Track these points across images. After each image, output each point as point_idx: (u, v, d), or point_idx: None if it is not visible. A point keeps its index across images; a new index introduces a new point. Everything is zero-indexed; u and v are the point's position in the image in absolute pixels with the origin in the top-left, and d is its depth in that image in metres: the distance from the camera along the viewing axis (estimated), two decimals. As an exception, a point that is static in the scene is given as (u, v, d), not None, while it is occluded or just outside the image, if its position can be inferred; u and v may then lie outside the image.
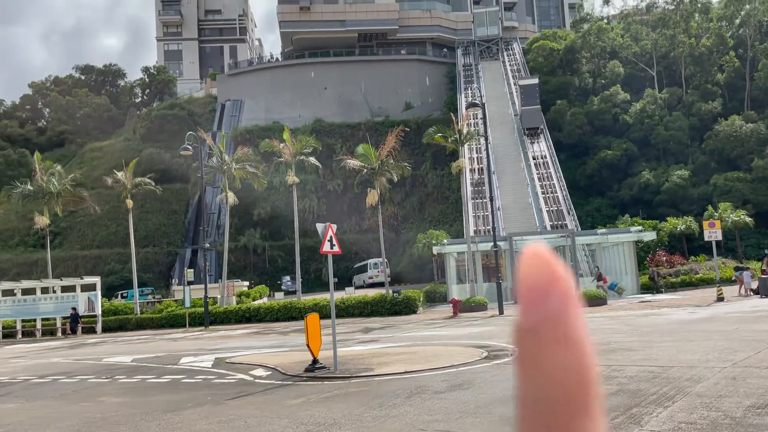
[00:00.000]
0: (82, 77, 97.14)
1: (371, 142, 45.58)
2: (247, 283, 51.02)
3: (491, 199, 38.42)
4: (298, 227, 43.05)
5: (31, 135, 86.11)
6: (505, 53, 75.21)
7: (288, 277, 58.18)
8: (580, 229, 42.64)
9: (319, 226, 15.54)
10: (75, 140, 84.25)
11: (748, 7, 61.87)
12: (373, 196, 40.65)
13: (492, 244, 32.36)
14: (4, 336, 37.05)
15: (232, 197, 44.89)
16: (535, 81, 59.51)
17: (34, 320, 37.74)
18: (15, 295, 38.35)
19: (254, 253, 63.36)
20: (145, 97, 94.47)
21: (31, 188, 44.29)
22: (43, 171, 44.43)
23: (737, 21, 63.42)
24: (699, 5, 63.94)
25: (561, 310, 0.56)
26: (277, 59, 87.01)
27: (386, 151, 40.70)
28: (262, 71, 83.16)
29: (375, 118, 73.98)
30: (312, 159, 45.85)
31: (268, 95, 78.47)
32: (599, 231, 39.38)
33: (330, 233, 15.30)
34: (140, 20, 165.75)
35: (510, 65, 72.16)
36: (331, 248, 15.26)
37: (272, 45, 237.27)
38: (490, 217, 38.13)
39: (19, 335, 37.05)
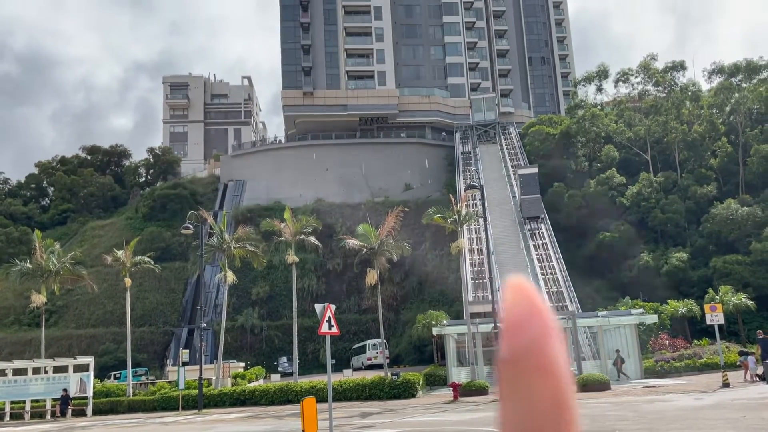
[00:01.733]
0: (88, 157, 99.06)
1: (371, 222, 46.01)
2: (242, 365, 50.01)
3: (491, 280, 38.33)
4: (296, 307, 42.67)
5: (34, 213, 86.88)
6: (502, 137, 77.15)
7: (285, 359, 57.10)
8: (580, 311, 42.29)
9: (318, 307, 15.48)
10: (77, 218, 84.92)
11: (737, 95, 64.08)
12: (372, 276, 40.57)
13: (492, 325, 32.00)
14: (-9, 418, 35.96)
15: (231, 276, 44.77)
16: (535, 170, 60.14)
17: (24, 402, 36.74)
18: (5, 375, 37.51)
19: (251, 333, 62.47)
20: (149, 177, 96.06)
21: (29, 266, 44.26)
22: (42, 249, 44.54)
23: (727, 108, 65.50)
24: (689, 93, 66.22)
25: (540, 341, 0.59)
26: (280, 141, 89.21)
27: (386, 231, 41.00)
28: (265, 152, 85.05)
29: (375, 199, 74.94)
30: (312, 238, 46.09)
31: (271, 176, 79.86)
32: (600, 313, 39.03)
33: (328, 314, 15.22)
34: (149, 103, 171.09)
35: (507, 149, 73.86)
36: (330, 329, 15.12)
37: (276, 127, 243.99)
38: (490, 297, 37.91)
39: (7, 417, 35.96)
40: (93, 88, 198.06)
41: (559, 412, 0.57)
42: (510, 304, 0.61)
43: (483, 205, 37.14)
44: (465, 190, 41.20)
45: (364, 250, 41.89)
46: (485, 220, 37.57)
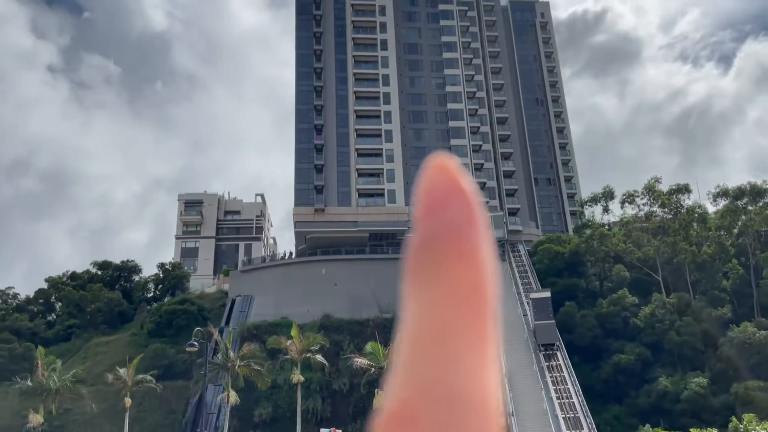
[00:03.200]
0: (99, 272, 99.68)
1: (379, 340, 45.12)
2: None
3: (504, 405, 36.91)
4: (300, 431, 40.87)
5: (40, 329, 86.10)
6: (511, 255, 77.39)
7: (287, 488, 53.87)
8: (599, 439, 40.18)
9: (324, 436, 14.83)
10: (82, 334, 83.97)
11: (744, 218, 64.67)
12: (381, 398, 39.12)
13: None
14: None
15: (233, 396, 43.45)
16: (548, 294, 59.19)
17: None
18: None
19: (251, 460, 59.40)
20: (157, 292, 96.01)
21: (30, 384, 43.28)
22: (44, 366, 43.77)
23: (735, 230, 65.88)
24: (696, 215, 66.94)
25: (461, 222, 0.52)
26: (291, 254, 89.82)
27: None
28: (274, 268, 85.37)
29: (384, 315, 74.00)
30: (319, 356, 45.17)
31: (279, 291, 79.59)
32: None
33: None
34: (164, 218, 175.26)
35: (517, 266, 73.82)
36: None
37: (287, 241, 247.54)
38: (504, 423, 36.31)
39: None
40: (111, 203, 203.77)
41: (479, 305, 0.50)
42: (429, 182, 0.53)
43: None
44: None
45: (372, 369, 40.81)
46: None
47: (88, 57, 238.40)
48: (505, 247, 79.59)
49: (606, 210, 73.29)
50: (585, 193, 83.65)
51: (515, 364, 51.98)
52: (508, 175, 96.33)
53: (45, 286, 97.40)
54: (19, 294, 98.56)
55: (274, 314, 75.41)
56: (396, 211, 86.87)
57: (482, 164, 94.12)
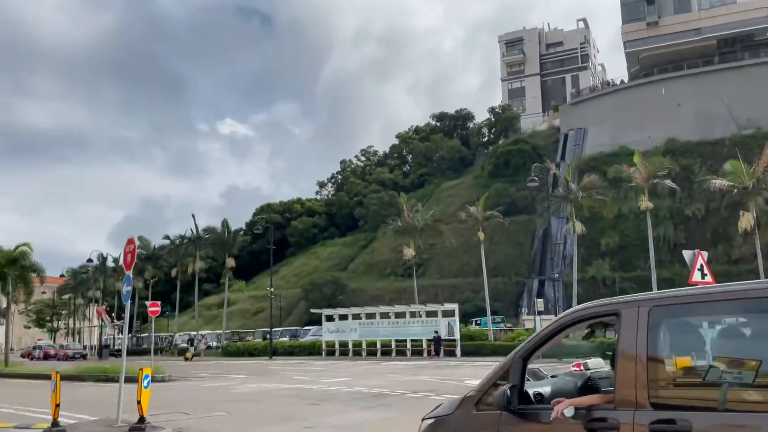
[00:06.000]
0: (438, 124, 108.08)
1: (740, 159, 39.69)
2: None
3: None
4: (653, 257, 39.66)
5: (398, 179, 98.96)
6: None
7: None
8: None
9: (687, 254, 13.87)
10: (432, 180, 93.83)
11: None
12: (747, 220, 35.13)
13: None
14: (383, 353, 42.52)
15: (578, 227, 43.93)
16: None
17: (405, 340, 42.46)
18: (390, 317, 43.84)
19: (603, 285, 60.56)
20: (491, 136, 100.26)
21: (400, 224, 50.55)
22: (408, 209, 50.43)
23: None
24: None
25: None
26: (622, 81, 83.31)
27: (762, 167, 34.90)
28: (605, 96, 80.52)
29: (742, 132, 64.54)
30: (667, 182, 42.10)
31: (613, 120, 75.29)
32: None
33: (700, 261, 13.54)
34: (489, 62, 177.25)
35: None
36: (702, 278, 13.43)
37: (617, 67, 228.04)
38: None
39: (394, 353, 42.09)
40: (439, 55, 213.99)
41: None
42: None
43: None
44: None
45: (734, 191, 36.47)
46: None
47: None
48: None
49: None
50: None
51: None
52: None
53: (396, 141, 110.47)
54: (378, 151, 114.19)
55: (610, 144, 72.21)
56: (750, 7, 72.03)
57: None
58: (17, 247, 41.31)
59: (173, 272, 64.99)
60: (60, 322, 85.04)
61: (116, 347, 57.82)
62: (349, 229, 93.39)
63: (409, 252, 49.30)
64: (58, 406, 11.75)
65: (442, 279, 68.65)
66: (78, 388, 22.47)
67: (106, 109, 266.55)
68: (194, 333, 57.85)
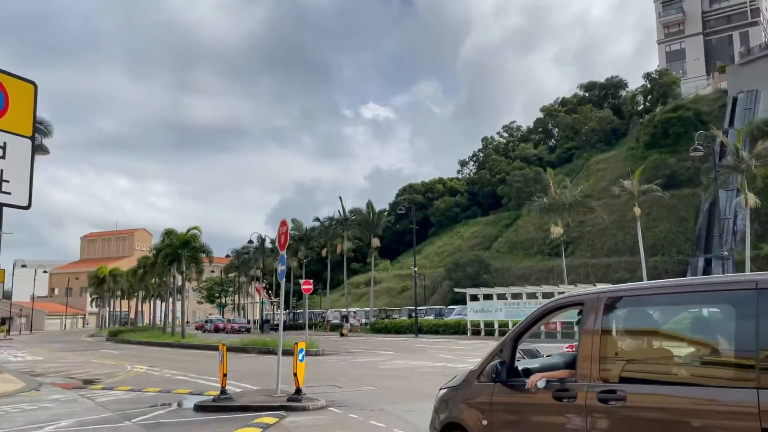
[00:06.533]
0: (586, 94, 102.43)
1: None
2: None
3: None
4: None
5: (543, 154, 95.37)
6: None
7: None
8: None
9: None
10: (581, 154, 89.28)
11: None
12: None
13: None
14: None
15: (751, 199, 39.53)
16: None
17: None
18: (537, 298, 42.57)
19: (783, 264, 54.18)
20: (647, 104, 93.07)
21: (546, 201, 48.67)
22: (555, 185, 48.32)
23: None
24: None
25: None
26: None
27: None
28: (783, 52, 71.40)
29: None
30: None
31: (794, 78, 66.58)
32: None
33: None
34: (642, 25, 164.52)
35: None
36: None
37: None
38: None
39: (543, 335, 40.87)
40: (587, 21, 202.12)
41: None
42: None
43: None
44: None
45: None
46: None
47: None
48: None
49: None
50: None
51: None
52: None
53: (541, 115, 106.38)
54: (521, 126, 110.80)
55: (789, 105, 64.00)
56: None
57: None
58: (188, 230, 45.57)
59: (323, 252, 68.07)
60: (227, 299, 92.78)
61: (275, 322, 61.92)
62: (492, 208, 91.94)
63: (556, 230, 47.28)
64: (225, 375, 12.74)
65: (594, 258, 65.32)
66: (242, 359, 24.28)
67: (260, 99, 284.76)
68: (347, 310, 60.37)
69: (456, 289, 55.21)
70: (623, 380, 4.01)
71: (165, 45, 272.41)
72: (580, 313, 4.51)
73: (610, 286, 4.76)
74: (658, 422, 3.71)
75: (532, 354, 5.44)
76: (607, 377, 4.09)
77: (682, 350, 4.05)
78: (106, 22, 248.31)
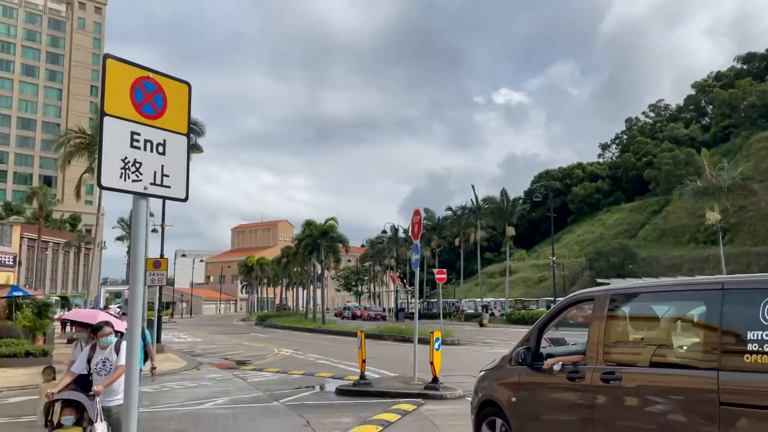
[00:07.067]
0: (744, 67, 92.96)
1: None
2: None
3: None
4: None
5: (696, 134, 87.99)
6: None
7: None
8: None
9: None
10: (739, 133, 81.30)
11: None
12: None
13: None
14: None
15: None
16: None
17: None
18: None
19: None
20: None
21: (700, 185, 44.77)
22: (711, 167, 44.26)
23: None
24: None
25: None
26: None
27: None
28: None
29: None
30: None
31: None
32: None
33: None
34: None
35: None
36: None
37: None
38: None
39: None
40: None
41: None
42: None
43: None
44: None
45: None
46: None
47: None
48: None
49: None
50: None
51: None
52: None
53: (692, 92, 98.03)
54: (669, 105, 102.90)
55: None
56: None
57: None
58: (326, 221, 47.49)
59: (456, 241, 67.80)
60: (363, 287, 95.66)
61: (410, 310, 62.76)
62: (637, 193, 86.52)
63: (713, 216, 43.33)
64: (364, 361, 13.14)
65: (757, 246, 59.30)
66: (379, 346, 24.87)
67: (391, 91, 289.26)
68: (487, 300, 59.84)
69: (598, 280, 52.60)
70: (620, 363, 4.82)
71: (302, 44, 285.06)
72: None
73: (619, 283, 5.74)
74: (645, 399, 4.50)
75: (559, 342, 6.14)
76: (609, 360, 4.89)
77: (665, 339, 4.84)
78: (247, 26, 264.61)
